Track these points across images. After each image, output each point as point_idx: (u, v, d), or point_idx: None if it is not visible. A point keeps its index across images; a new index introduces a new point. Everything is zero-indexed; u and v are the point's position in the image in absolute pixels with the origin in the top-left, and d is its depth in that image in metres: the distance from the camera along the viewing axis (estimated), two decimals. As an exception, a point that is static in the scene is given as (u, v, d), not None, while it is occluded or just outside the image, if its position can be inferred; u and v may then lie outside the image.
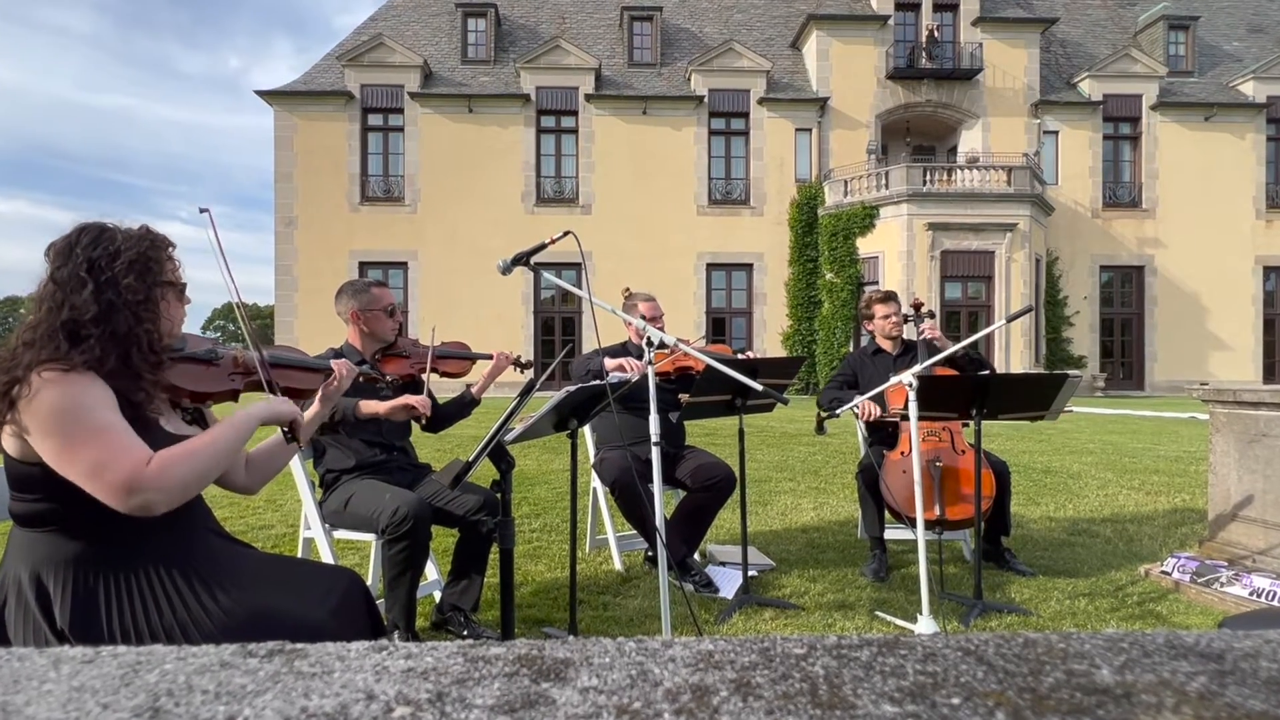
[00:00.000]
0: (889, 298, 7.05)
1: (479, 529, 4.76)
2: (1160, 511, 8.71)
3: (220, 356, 3.02)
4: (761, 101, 37.71)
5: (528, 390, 3.52)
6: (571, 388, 4.20)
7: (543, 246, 4.12)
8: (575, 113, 37.95)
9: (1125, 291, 39.16)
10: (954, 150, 40.14)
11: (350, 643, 0.96)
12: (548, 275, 4.33)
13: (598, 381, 4.47)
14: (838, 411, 6.24)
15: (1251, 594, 5.36)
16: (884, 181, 34.26)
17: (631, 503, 5.96)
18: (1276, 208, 38.81)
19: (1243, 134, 38.71)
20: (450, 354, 5.44)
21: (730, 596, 5.69)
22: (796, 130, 37.81)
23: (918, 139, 40.65)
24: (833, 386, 7.10)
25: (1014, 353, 32.92)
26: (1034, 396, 5.66)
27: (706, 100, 37.73)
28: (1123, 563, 6.56)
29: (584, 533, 6.94)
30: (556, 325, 37.92)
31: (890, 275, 33.56)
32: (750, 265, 37.79)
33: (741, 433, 5.90)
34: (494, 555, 5.01)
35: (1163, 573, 6.00)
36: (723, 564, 6.47)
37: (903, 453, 6.26)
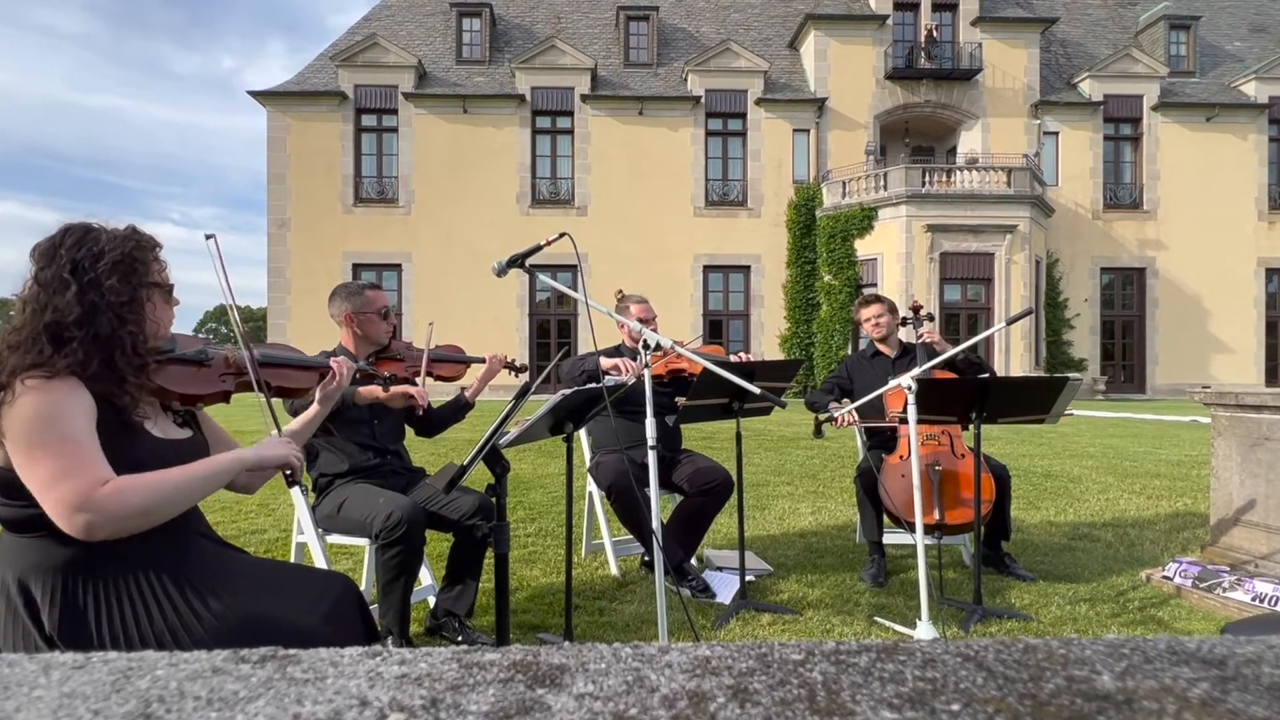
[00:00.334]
0: (873, 301, 7.06)
1: (474, 533, 4.76)
2: (1162, 516, 8.72)
3: (211, 357, 3.00)
4: (759, 102, 37.72)
5: (523, 393, 3.52)
6: (567, 391, 4.20)
7: (538, 248, 4.12)
8: (571, 113, 37.94)
9: (1126, 294, 39.19)
10: (953, 151, 40.19)
11: (344, 648, 0.96)
12: (543, 277, 4.31)
13: (593, 384, 4.47)
14: (819, 418, 6.26)
15: (1254, 599, 5.37)
16: (882, 183, 34.26)
17: (628, 507, 5.96)
18: (1279, 209, 38.85)
19: (1244, 135, 38.75)
20: (444, 357, 5.45)
21: (727, 602, 5.69)
22: (794, 131, 37.84)
23: (917, 140, 40.67)
24: (821, 390, 7.12)
25: (1014, 355, 32.92)
26: (1034, 400, 5.67)
27: (703, 101, 37.74)
28: (1124, 568, 6.56)
29: (580, 537, 6.92)
30: (552, 328, 37.93)
31: (889, 277, 33.59)
32: (748, 267, 37.82)
33: (739, 436, 5.90)
34: (489, 560, 5.02)
35: (1164, 578, 6.00)
36: (720, 569, 6.48)
37: (902, 456, 6.26)
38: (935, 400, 5.47)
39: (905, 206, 33.14)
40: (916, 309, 6.74)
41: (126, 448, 2.60)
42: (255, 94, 37.08)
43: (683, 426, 6.85)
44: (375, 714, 0.79)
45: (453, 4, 39.67)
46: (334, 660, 0.92)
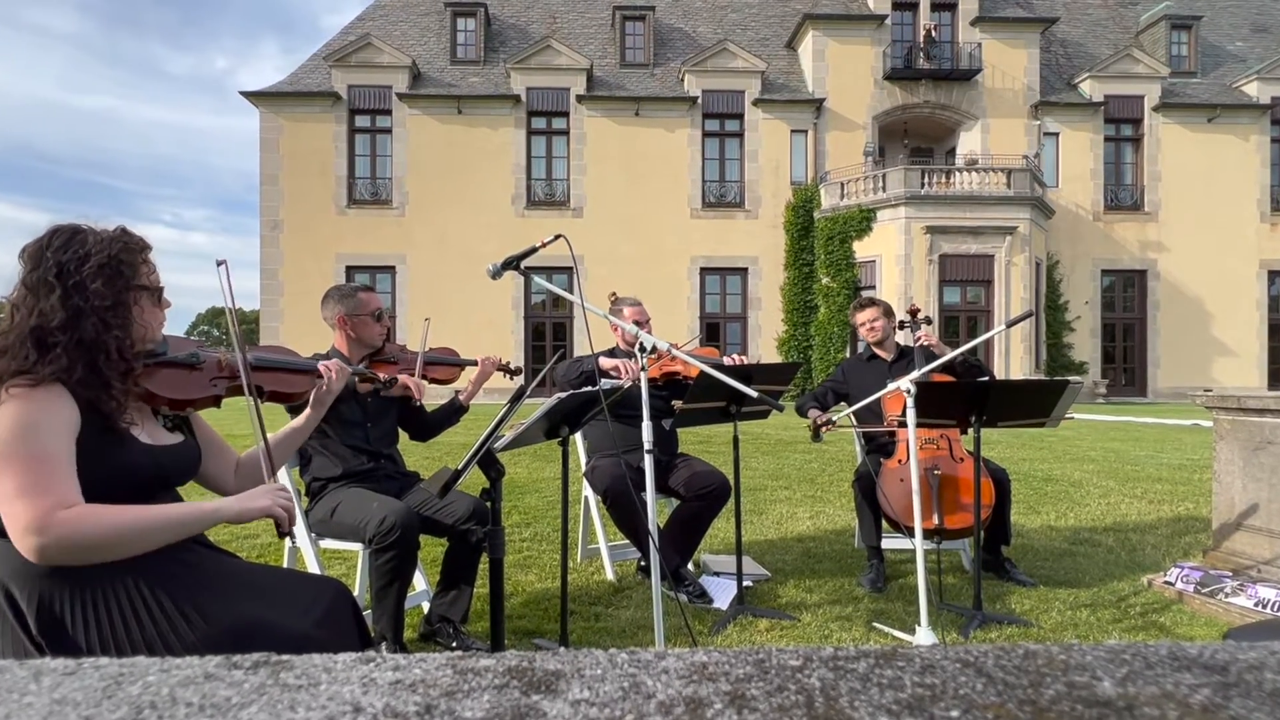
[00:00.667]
0: (868, 305, 7.05)
1: (468, 538, 4.76)
2: (1163, 520, 8.72)
3: (202, 360, 2.98)
4: (756, 103, 37.77)
5: (518, 397, 3.52)
6: (563, 394, 4.20)
7: (533, 250, 4.12)
8: (566, 114, 37.98)
9: (1127, 296, 39.24)
10: (952, 152, 40.23)
11: (337, 654, 0.96)
12: (538, 280, 4.32)
13: (589, 388, 4.47)
14: (818, 421, 6.26)
15: (1257, 605, 5.37)
16: (881, 184, 34.29)
17: (624, 512, 5.96)
18: (1281, 210, 38.86)
19: (1247, 136, 38.81)
20: (438, 360, 5.45)
21: (724, 607, 5.68)
22: (792, 132, 37.89)
23: (915, 141, 40.70)
24: (813, 394, 7.11)
25: (1014, 358, 32.97)
26: (1034, 403, 5.66)
27: (700, 101, 37.79)
28: (1125, 573, 6.57)
29: (575, 542, 6.91)
30: (547, 330, 37.95)
31: (888, 279, 33.60)
32: (745, 269, 37.86)
33: (736, 440, 5.90)
34: (484, 565, 5.00)
35: (1166, 583, 6.01)
36: (717, 574, 6.48)
37: (900, 460, 6.26)
38: (934, 404, 5.46)
39: (904, 208, 33.16)
40: (914, 312, 6.73)
41: (111, 455, 2.60)
42: (248, 94, 37.09)
43: (679, 430, 6.86)
44: (369, 720, 0.79)
45: (447, 4, 39.71)
46: (327, 666, 0.92)
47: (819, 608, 5.69)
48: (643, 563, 6.51)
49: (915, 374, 5.19)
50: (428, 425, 5.48)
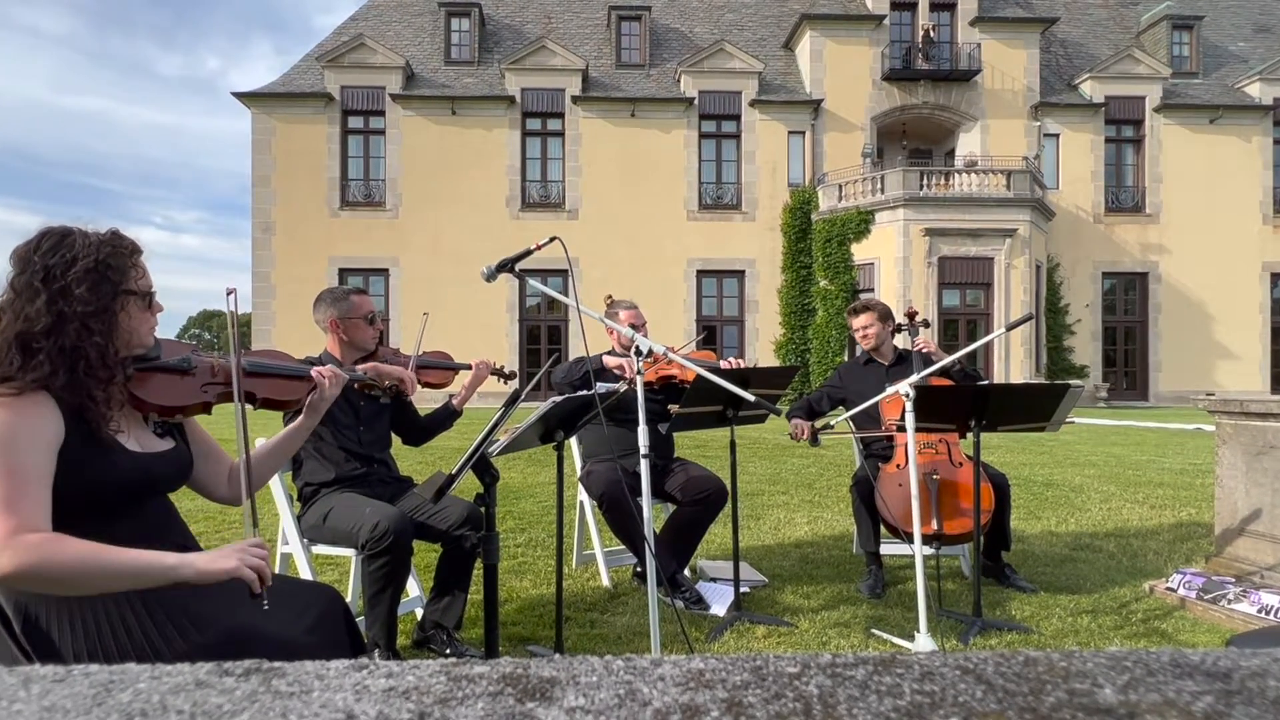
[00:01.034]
0: (862, 310, 7.04)
1: (462, 544, 4.75)
2: (1165, 526, 8.73)
3: (194, 365, 2.95)
4: (753, 103, 37.75)
5: (512, 401, 3.51)
6: (558, 398, 4.20)
7: (528, 253, 4.12)
8: (562, 115, 37.97)
9: (1128, 299, 39.26)
10: (951, 154, 40.26)
11: (329, 661, 0.96)
12: (533, 282, 4.31)
13: (585, 391, 4.47)
14: (815, 425, 6.27)
15: (1260, 611, 5.37)
16: (879, 186, 34.26)
17: (620, 517, 5.96)
18: (1283, 212, 38.92)
19: (1249, 137, 38.84)
20: (432, 364, 5.45)
21: (721, 614, 5.69)
22: (789, 133, 37.88)
23: (914, 142, 40.71)
24: (802, 403, 7.10)
25: (1014, 362, 32.94)
26: (1034, 407, 5.67)
27: (696, 102, 37.77)
28: (1127, 579, 6.57)
29: (570, 548, 6.94)
30: (542, 334, 37.93)
31: (886, 282, 33.59)
32: (742, 272, 37.83)
33: (733, 444, 5.91)
34: (478, 571, 5.01)
35: (1168, 589, 6.01)
36: (714, 580, 6.48)
37: (899, 465, 6.26)
38: (933, 408, 5.47)
39: (903, 210, 33.15)
40: (912, 316, 6.73)
41: (97, 465, 2.59)
42: (240, 95, 37.08)
43: (676, 434, 6.85)
44: (362, 728, 0.79)
45: (441, 4, 39.70)
46: (320, 673, 0.92)
47: (817, 614, 5.69)
48: (639, 568, 6.49)
49: (914, 377, 5.20)
50: (421, 429, 5.48)
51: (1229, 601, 5.57)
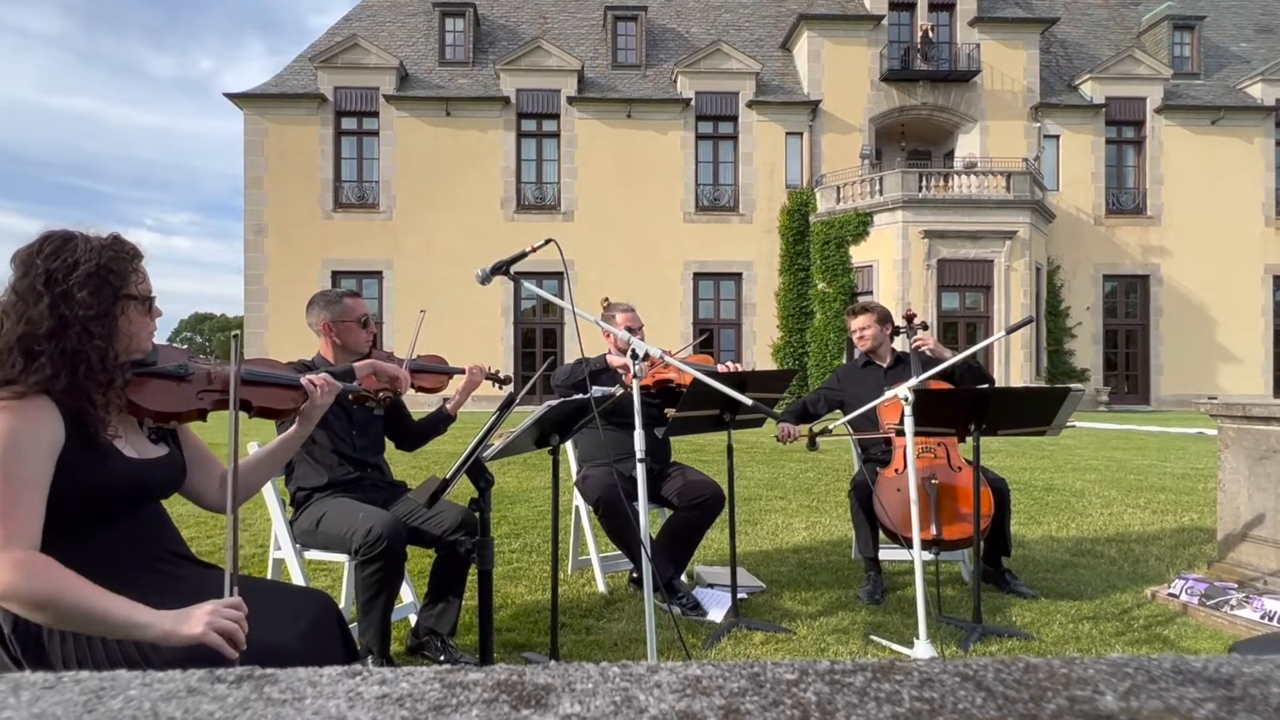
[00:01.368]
0: (860, 311, 7.05)
1: (456, 549, 4.75)
2: (1167, 531, 8.73)
3: (191, 372, 2.95)
4: (751, 104, 37.78)
5: (507, 405, 3.51)
6: (554, 402, 4.20)
7: (523, 255, 4.11)
8: (557, 116, 37.99)
9: (1130, 302, 39.30)
10: (951, 155, 40.32)
11: (322, 668, 0.96)
12: (528, 285, 4.31)
13: (580, 395, 4.47)
14: (813, 428, 6.26)
15: (1263, 617, 5.37)
16: (878, 187, 34.28)
17: (616, 522, 5.96)
18: (1286, 214, 38.94)
19: (1251, 138, 38.89)
20: (426, 368, 5.45)
21: (719, 620, 5.69)
22: (787, 134, 37.91)
23: (913, 143, 40.75)
24: (803, 402, 7.10)
25: (1014, 365, 33.00)
26: (1035, 411, 5.67)
27: (693, 103, 37.80)
28: (1128, 585, 6.57)
29: (566, 553, 6.93)
30: (538, 337, 37.95)
31: (885, 285, 33.62)
32: (739, 274, 37.85)
33: (730, 449, 5.91)
34: (472, 577, 5.01)
35: (1170, 595, 6.01)
36: (711, 586, 6.48)
37: (897, 470, 6.25)
38: (933, 412, 5.47)
39: (901, 212, 33.17)
40: (910, 318, 6.73)
41: (94, 470, 2.60)
42: (232, 96, 37.06)
43: (672, 439, 6.85)
44: (355, 736, 0.79)
45: (435, 4, 39.73)
46: (312, 680, 0.92)
47: (815, 620, 5.69)
48: (635, 574, 6.49)
49: (913, 381, 5.20)
50: (415, 434, 5.48)
51: (1232, 607, 5.56)
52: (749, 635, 5.36)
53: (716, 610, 5.86)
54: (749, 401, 4.19)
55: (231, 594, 2.51)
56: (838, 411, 7.01)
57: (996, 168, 35.10)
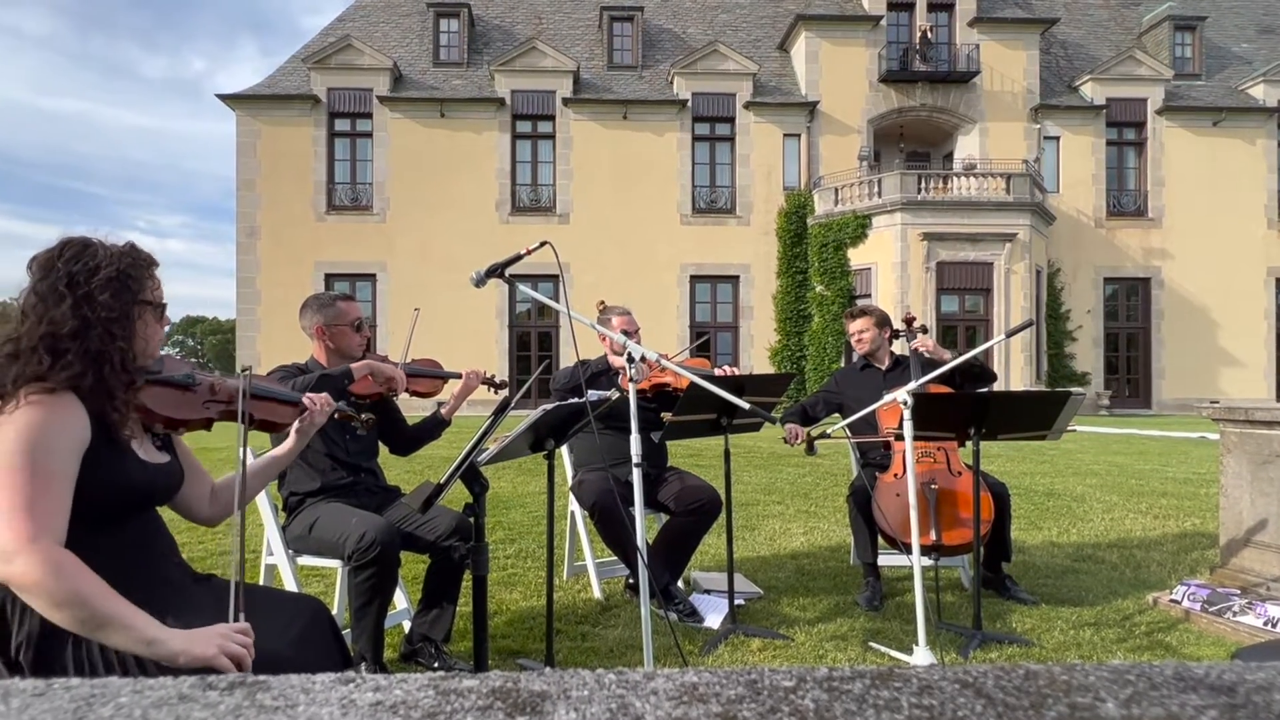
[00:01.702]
0: (858, 314, 7.06)
1: (451, 555, 4.75)
2: (1169, 536, 8.73)
3: (198, 382, 3.03)
4: (748, 105, 37.81)
5: (502, 409, 3.51)
6: (549, 406, 4.19)
7: (518, 257, 4.11)
8: (552, 117, 37.98)
9: (1131, 305, 39.33)
10: (950, 157, 40.32)
11: (315, 675, 0.96)
12: (523, 288, 4.32)
13: (576, 399, 4.47)
14: (812, 432, 6.26)
15: (1266, 623, 5.37)
16: (876, 189, 34.29)
17: (612, 527, 5.96)
18: (1289, 217, 38.94)
19: (1253, 139, 38.94)
20: (421, 372, 5.45)
21: (716, 626, 5.69)
22: (784, 136, 37.91)
23: (912, 145, 40.79)
24: (797, 409, 7.09)
25: (1014, 369, 33.00)
26: (1035, 415, 5.67)
27: (690, 104, 37.81)
28: (1130, 591, 6.57)
29: (561, 559, 6.89)
30: (532, 340, 37.94)
31: (884, 288, 33.61)
32: (736, 277, 37.86)
33: (727, 453, 5.90)
34: (467, 583, 4.99)
35: (1172, 601, 6.01)
36: (708, 592, 6.47)
37: (896, 475, 6.24)
38: (932, 416, 5.46)
39: (900, 214, 33.17)
40: (909, 321, 6.72)
41: (113, 468, 2.64)
42: (224, 97, 37.05)
43: (669, 443, 6.85)
44: (348, 744, 0.79)
45: (429, 4, 39.75)
46: (305, 687, 0.92)
47: (813, 627, 5.69)
48: (631, 580, 6.49)
49: (912, 384, 5.19)
50: (409, 439, 5.47)
51: (1234, 614, 5.56)
52: (746, 642, 5.36)
53: (713, 617, 5.86)
54: (746, 405, 4.18)
55: (238, 618, 2.56)
56: (836, 415, 7.02)
57: (996, 169, 35.09)
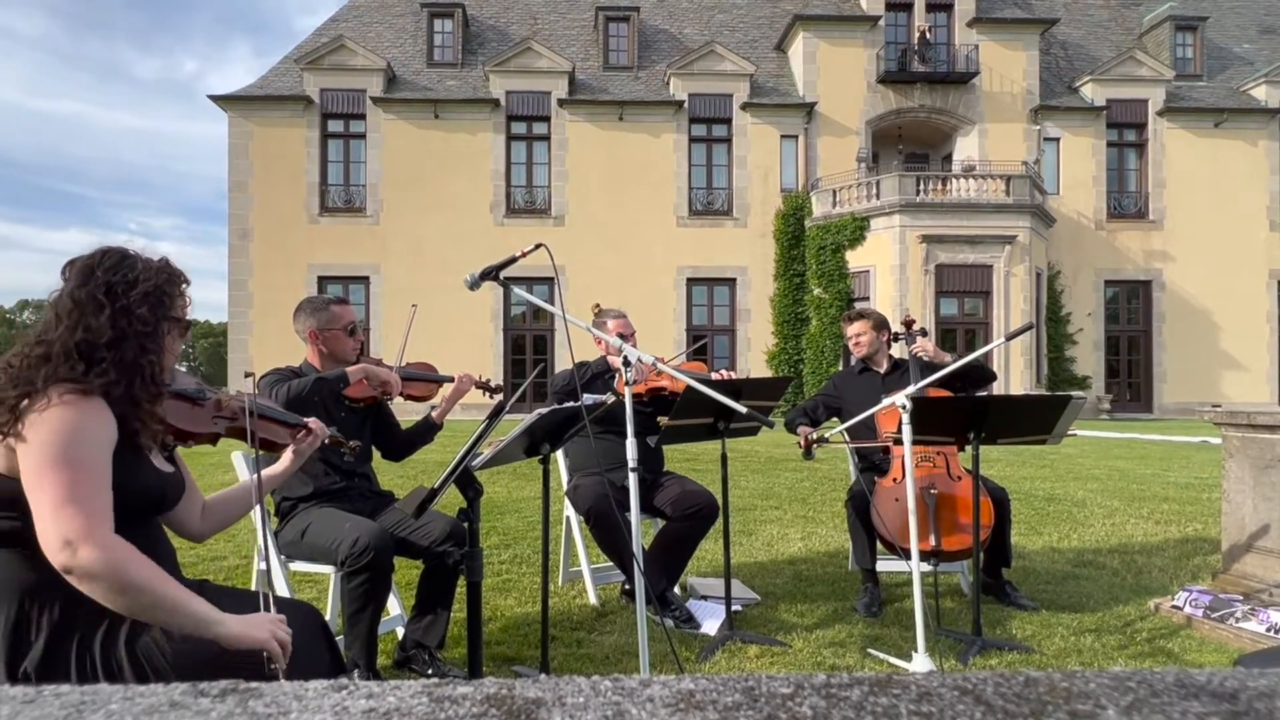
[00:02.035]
0: (856, 318, 7.07)
1: (445, 560, 4.73)
2: (1171, 542, 8.74)
3: (207, 397, 3.13)
4: (745, 107, 37.79)
5: (496, 413, 3.51)
6: (543, 410, 4.19)
7: (513, 260, 4.11)
8: (547, 118, 37.94)
9: (1132, 308, 39.33)
10: (949, 158, 40.33)
11: (308, 681, 0.96)
12: (518, 290, 4.31)
13: (571, 403, 4.47)
14: (810, 437, 6.25)
15: (1269, 630, 5.37)
16: (875, 191, 34.29)
17: (607, 533, 5.95)
18: (1291, 219, 38.96)
19: (1255, 141, 38.94)
20: (415, 375, 5.45)
21: (712, 633, 5.68)
22: (782, 137, 37.90)
23: (910, 146, 40.79)
24: (804, 408, 7.09)
25: (1014, 373, 32.96)
26: (1035, 419, 5.67)
27: (686, 105, 37.79)
28: (1131, 597, 6.57)
29: (556, 565, 6.91)
30: (528, 343, 37.91)
31: (882, 290, 33.61)
32: (733, 280, 37.83)
33: (724, 458, 5.90)
34: (461, 588, 5.00)
35: (1174, 607, 6.01)
36: (704, 598, 6.47)
37: (895, 479, 6.25)
38: (931, 420, 5.46)
39: (899, 216, 33.17)
40: (909, 324, 6.73)
41: (131, 473, 2.69)
42: (216, 98, 37.00)
43: (665, 448, 6.85)
44: (341, 751, 0.79)
45: (423, 4, 39.69)
46: (298, 694, 0.92)
47: (811, 633, 5.69)
48: (627, 586, 6.49)
49: (911, 389, 5.19)
50: (402, 443, 5.47)
51: (1237, 620, 5.57)
52: (743, 648, 5.36)
53: (710, 623, 5.85)
54: (743, 409, 4.19)
55: (271, 609, 2.76)
56: (834, 419, 7.02)
57: (996, 171, 35.09)
